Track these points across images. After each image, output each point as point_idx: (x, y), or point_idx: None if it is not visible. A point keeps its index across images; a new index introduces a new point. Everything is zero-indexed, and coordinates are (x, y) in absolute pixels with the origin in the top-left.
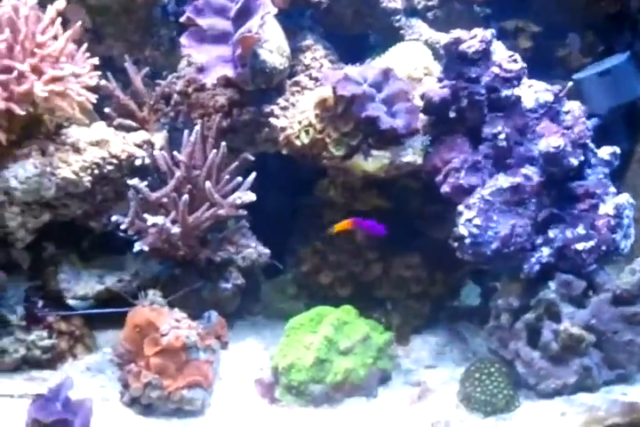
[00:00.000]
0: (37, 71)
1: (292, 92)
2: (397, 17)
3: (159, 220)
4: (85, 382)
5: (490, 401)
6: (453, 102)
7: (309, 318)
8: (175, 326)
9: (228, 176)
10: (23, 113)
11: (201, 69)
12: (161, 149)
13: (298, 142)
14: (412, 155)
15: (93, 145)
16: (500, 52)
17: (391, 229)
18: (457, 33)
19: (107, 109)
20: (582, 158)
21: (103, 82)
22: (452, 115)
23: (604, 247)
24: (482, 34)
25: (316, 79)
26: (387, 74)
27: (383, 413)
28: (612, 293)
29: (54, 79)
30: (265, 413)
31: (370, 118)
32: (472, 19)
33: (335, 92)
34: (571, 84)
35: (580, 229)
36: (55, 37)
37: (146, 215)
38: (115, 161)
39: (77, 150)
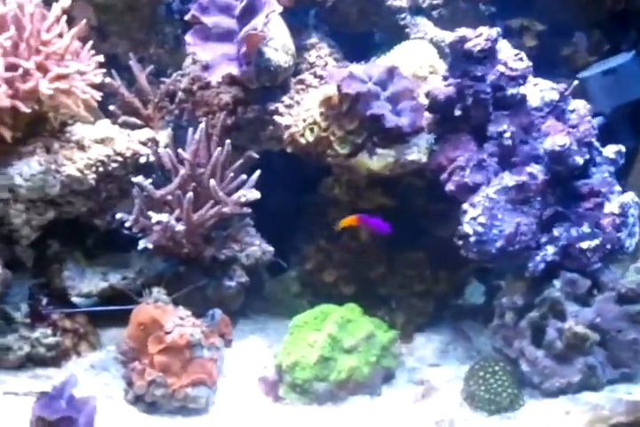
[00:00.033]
0: (42, 69)
1: (296, 91)
2: (402, 15)
3: (164, 217)
4: (89, 380)
5: (494, 400)
6: (459, 101)
7: (313, 316)
8: (179, 323)
9: (232, 174)
10: (28, 111)
11: (206, 67)
12: (165, 147)
13: (302, 140)
14: (416, 153)
15: (98, 143)
16: (505, 50)
17: (395, 227)
18: (462, 31)
19: (111, 107)
20: (587, 157)
21: (108, 80)
22: (457, 113)
23: (608, 246)
24: (487, 32)
25: (321, 77)
26: (392, 72)
27: (387, 411)
28: (616, 291)
29: (59, 77)
30: (269, 411)
31: (375, 116)
32: (477, 17)
33: (340, 91)
34: (576, 82)
35: (585, 228)
36: (60, 35)
37: (150, 213)
38: (119, 159)
39: (82, 148)
